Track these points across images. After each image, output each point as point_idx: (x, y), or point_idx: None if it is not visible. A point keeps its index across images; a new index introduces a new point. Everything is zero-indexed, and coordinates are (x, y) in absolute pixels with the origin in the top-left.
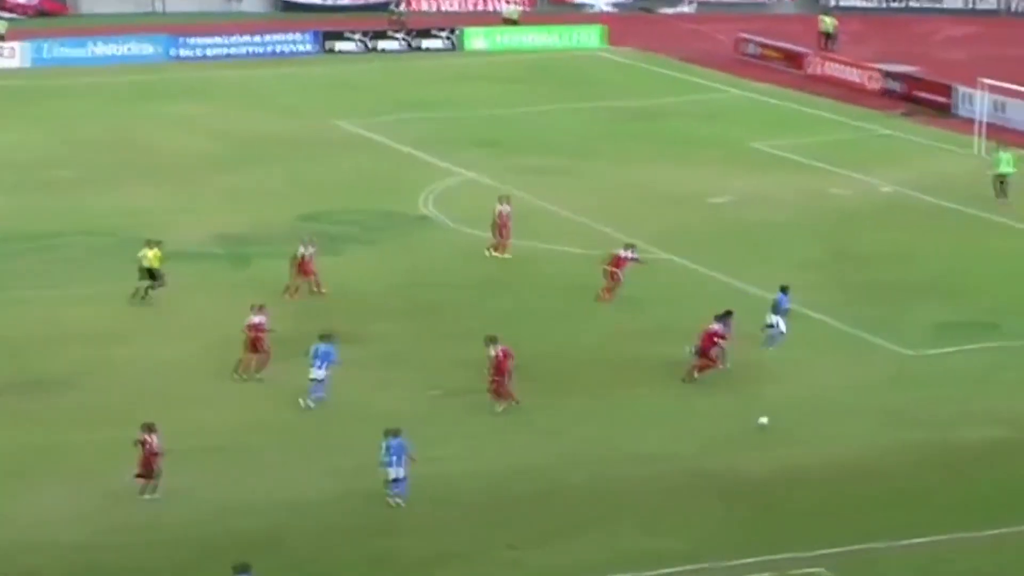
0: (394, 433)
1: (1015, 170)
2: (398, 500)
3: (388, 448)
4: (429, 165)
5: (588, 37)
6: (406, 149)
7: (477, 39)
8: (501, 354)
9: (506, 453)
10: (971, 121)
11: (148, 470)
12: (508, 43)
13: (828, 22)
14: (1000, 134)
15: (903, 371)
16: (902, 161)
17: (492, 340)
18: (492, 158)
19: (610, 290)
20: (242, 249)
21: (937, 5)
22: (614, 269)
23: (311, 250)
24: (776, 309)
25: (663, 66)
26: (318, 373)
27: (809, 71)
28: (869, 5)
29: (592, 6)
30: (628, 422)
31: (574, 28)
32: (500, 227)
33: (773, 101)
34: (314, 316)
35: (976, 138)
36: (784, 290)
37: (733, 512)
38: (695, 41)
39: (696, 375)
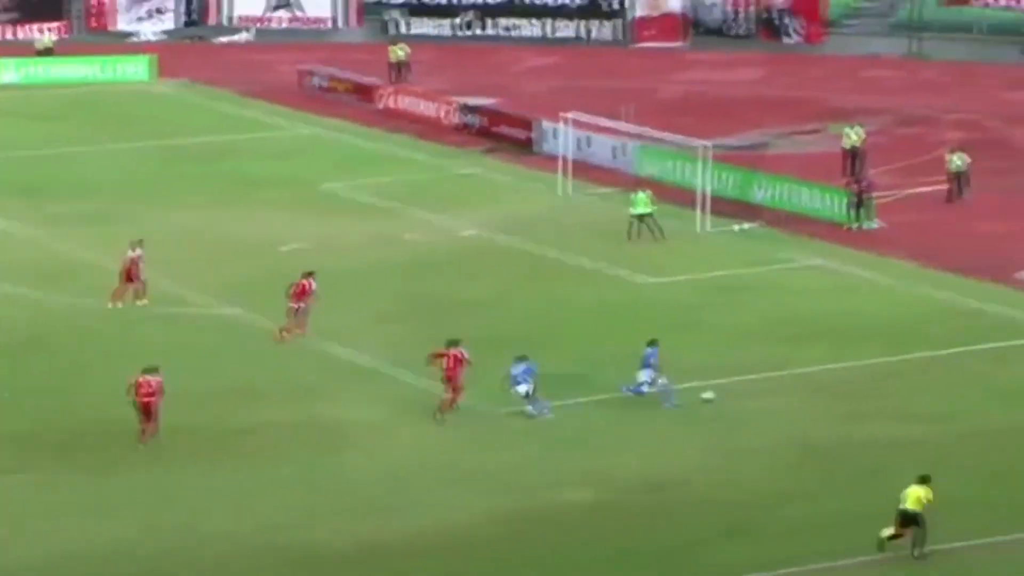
0: None
1: (654, 209)
2: None
3: None
4: None
5: (135, 69)
6: None
7: (4, 71)
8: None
9: (43, 540)
10: (555, 158)
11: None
12: (41, 76)
13: (399, 51)
14: (585, 171)
15: (492, 431)
16: (484, 202)
17: (151, 370)
18: (26, 207)
19: (290, 330)
20: None
21: (514, 34)
22: (298, 304)
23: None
24: (645, 364)
25: (221, 101)
26: None
27: (382, 105)
28: (442, 33)
29: (137, 34)
30: (182, 499)
31: (118, 59)
32: (127, 272)
33: (345, 138)
34: None
35: (561, 176)
36: (652, 343)
37: None
38: (256, 73)
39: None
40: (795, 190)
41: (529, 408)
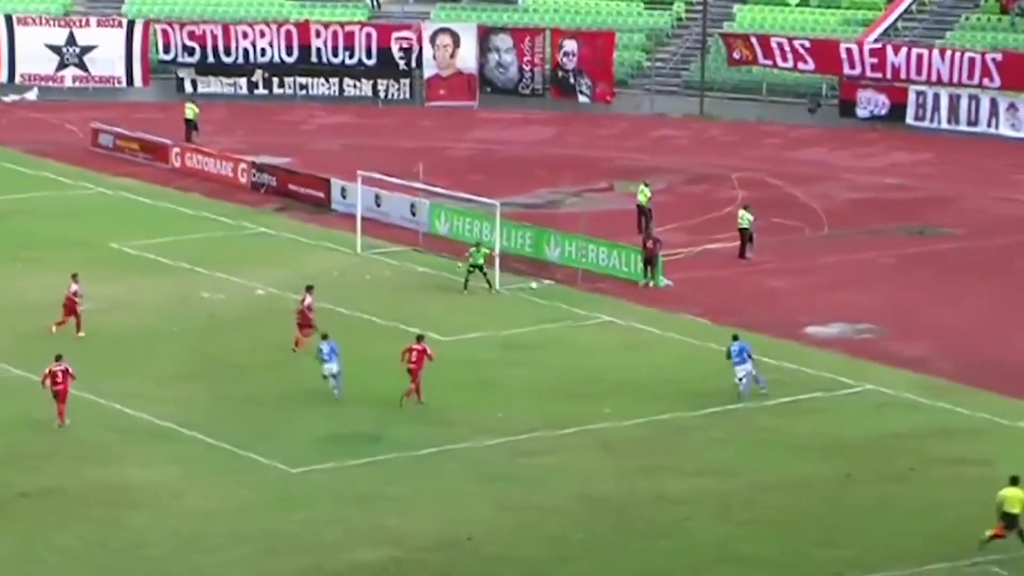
0: None
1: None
2: None
3: None
4: None
5: None
6: None
7: None
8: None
9: None
10: (349, 216)
11: None
12: None
13: (191, 110)
14: (378, 229)
15: (286, 491)
16: (278, 261)
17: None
18: None
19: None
20: None
21: (305, 92)
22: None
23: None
24: (743, 359)
25: (7, 159)
26: None
27: (175, 164)
28: (234, 92)
29: None
30: None
31: None
32: (68, 307)
33: (137, 197)
34: None
35: (359, 235)
36: (736, 338)
37: None
38: (44, 132)
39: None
40: (587, 248)
41: (336, 392)
